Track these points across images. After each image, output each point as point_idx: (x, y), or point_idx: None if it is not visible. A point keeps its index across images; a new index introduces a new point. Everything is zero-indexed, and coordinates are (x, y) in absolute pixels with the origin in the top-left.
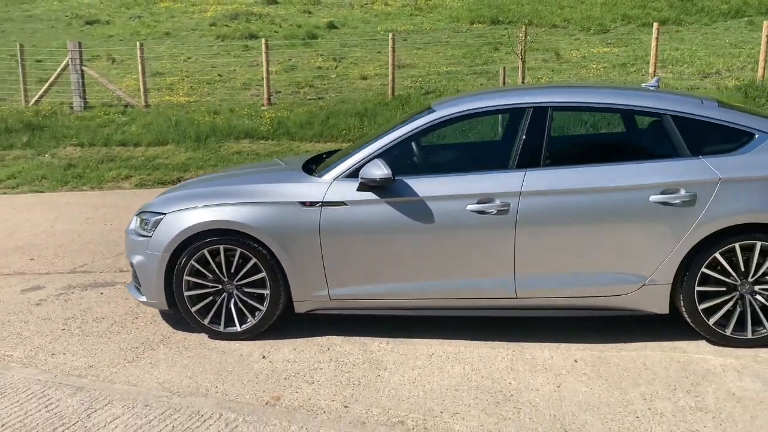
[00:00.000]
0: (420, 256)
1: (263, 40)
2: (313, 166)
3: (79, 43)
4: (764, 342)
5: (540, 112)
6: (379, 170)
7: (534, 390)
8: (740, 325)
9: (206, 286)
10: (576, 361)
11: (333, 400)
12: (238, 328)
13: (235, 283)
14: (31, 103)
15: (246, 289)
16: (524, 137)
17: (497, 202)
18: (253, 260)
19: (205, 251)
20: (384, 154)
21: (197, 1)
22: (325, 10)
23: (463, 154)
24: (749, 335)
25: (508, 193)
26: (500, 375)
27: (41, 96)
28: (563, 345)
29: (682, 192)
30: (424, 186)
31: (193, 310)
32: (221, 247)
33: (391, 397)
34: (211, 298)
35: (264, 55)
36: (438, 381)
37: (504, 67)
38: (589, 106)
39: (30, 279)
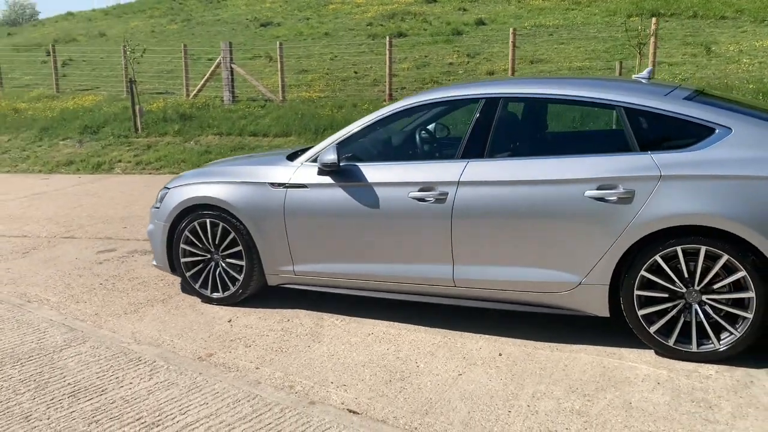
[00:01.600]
0: (369, 240)
1: (387, 38)
2: (300, 153)
3: (230, 44)
4: (710, 357)
5: (490, 103)
6: (328, 156)
7: (433, 375)
8: (686, 337)
9: (197, 255)
10: (500, 354)
11: (251, 362)
12: (221, 295)
13: (220, 254)
14: (190, 97)
15: (228, 260)
16: (472, 127)
17: (437, 190)
18: (232, 234)
19: (196, 223)
20: (345, 142)
21: (362, 2)
22: (481, 6)
23: (419, 144)
24: (694, 348)
25: (447, 182)
26: (415, 358)
27: (199, 90)
28: (502, 338)
29: (620, 188)
30: (373, 172)
31: (187, 275)
32: (207, 220)
33: (301, 365)
34: (201, 265)
35: (387, 52)
36: (355, 357)
37: (620, 62)
38: (540, 97)
39: (111, 243)
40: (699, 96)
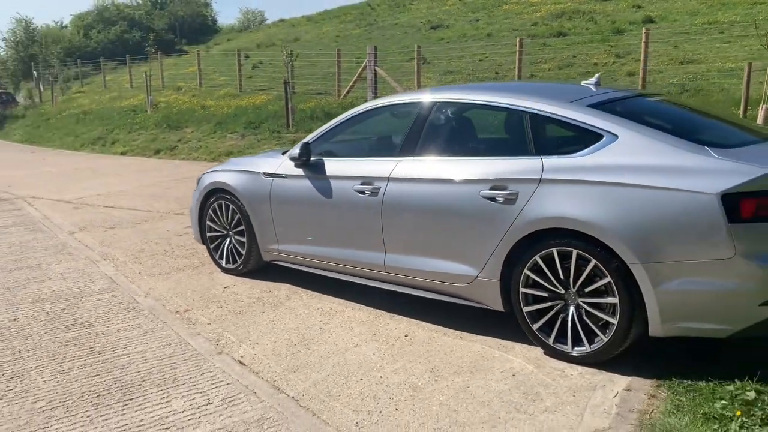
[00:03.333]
0: (326, 226)
1: (517, 39)
2: None
3: (375, 47)
4: (585, 359)
5: (426, 107)
6: (294, 151)
7: (333, 344)
8: (565, 337)
9: (217, 231)
10: (406, 335)
11: (208, 319)
12: (230, 266)
13: (232, 231)
14: (340, 98)
15: (236, 237)
16: (409, 129)
17: (373, 184)
18: (238, 215)
19: (215, 204)
20: (318, 139)
21: (536, 1)
22: (658, 2)
23: (376, 142)
24: (569, 349)
25: (380, 177)
26: (334, 330)
27: (348, 91)
28: (422, 323)
29: (508, 189)
30: (332, 166)
31: (210, 247)
32: (223, 202)
33: (242, 325)
34: (219, 240)
35: (517, 53)
36: (287, 324)
37: (749, 63)
38: (462, 102)
39: None
40: (614, 103)
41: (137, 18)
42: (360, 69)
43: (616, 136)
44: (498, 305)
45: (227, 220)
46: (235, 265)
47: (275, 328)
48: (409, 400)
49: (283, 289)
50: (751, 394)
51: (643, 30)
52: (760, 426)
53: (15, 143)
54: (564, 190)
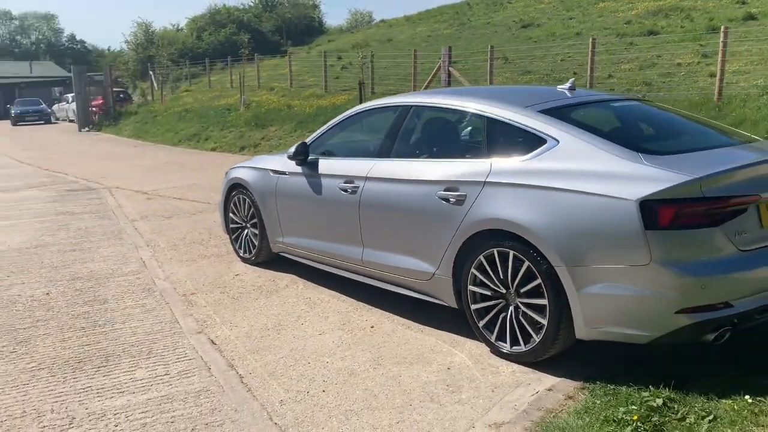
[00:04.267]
0: (316, 220)
1: (590, 39)
2: None
3: (450, 48)
4: (522, 358)
5: (403, 110)
6: (290, 150)
7: (302, 331)
8: (505, 336)
9: (237, 223)
10: (372, 327)
11: (206, 302)
12: (246, 256)
13: (248, 224)
14: None
15: (251, 230)
16: (387, 131)
17: (354, 183)
18: (252, 208)
19: (235, 198)
20: (317, 140)
21: None
22: None
23: (363, 143)
24: (508, 348)
25: (360, 176)
26: (310, 318)
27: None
28: (394, 316)
29: (459, 191)
30: (324, 165)
31: (231, 238)
32: (241, 196)
33: (232, 309)
34: (239, 231)
35: (590, 53)
36: (272, 310)
37: None
38: (433, 106)
39: None
40: (570, 108)
41: (246, 20)
42: (435, 69)
43: (558, 141)
44: (452, 302)
45: (245, 213)
46: (250, 255)
47: (259, 313)
48: (339, 384)
49: (286, 279)
50: (659, 401)
51: (722, 29)
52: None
53: (125, 138)
54: (503, 193)
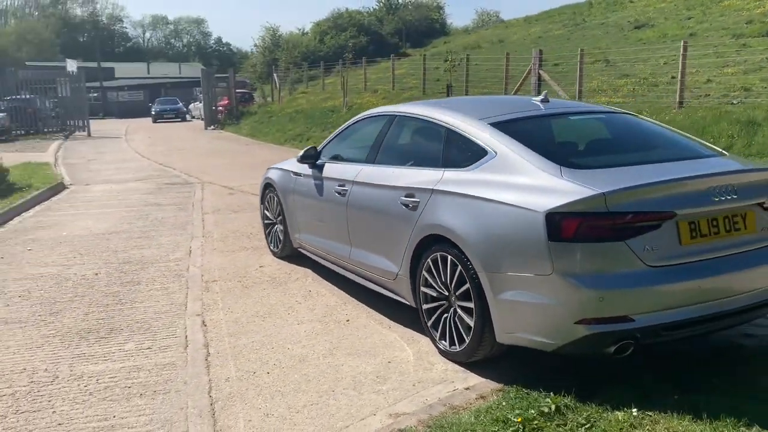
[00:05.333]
0: (319, 219)
1: (681, 42)
2: None
3: (540, 51)
4: (459, 358)
5: (389, 119)
6: (299, 154)
7: (283, 320)
8: (446, 336)
9: (270, 219)
10: (348, 320)
11: (219, 289)
12: (275, 250)
13: (277, 220)
14: None
15: (279, 226)
16: (374, 138)
17: (345, 186)
18: (279, 206)
19: (268, 196)
20: (327, 145)
21: None
22: None
23: (360, 149)
24: (446, 347)
25: (349, 180)
26: (298, 309)
27: (514, 94)
28: (373, 312)
29: (415, 197)
30: (327, 168)
31: (265, 233)
32: (271, 194)
33: (237, 296)
34: (270, 227)
35: (681, 57)
36: (271, 299)
37: None
38: (413, 116)
39: None
40: (521, 121)
41: (366, 24)
42: (525, 72)
43: (496, 153)
44: (412, 301)
45: (274, 210)
46: (277, 249)
47: (258, 302)
48: (285, 369)
49: (300, 272)
50: (552, 407)
51: None
52: None
53: (242, 136)
54: (446, 201)
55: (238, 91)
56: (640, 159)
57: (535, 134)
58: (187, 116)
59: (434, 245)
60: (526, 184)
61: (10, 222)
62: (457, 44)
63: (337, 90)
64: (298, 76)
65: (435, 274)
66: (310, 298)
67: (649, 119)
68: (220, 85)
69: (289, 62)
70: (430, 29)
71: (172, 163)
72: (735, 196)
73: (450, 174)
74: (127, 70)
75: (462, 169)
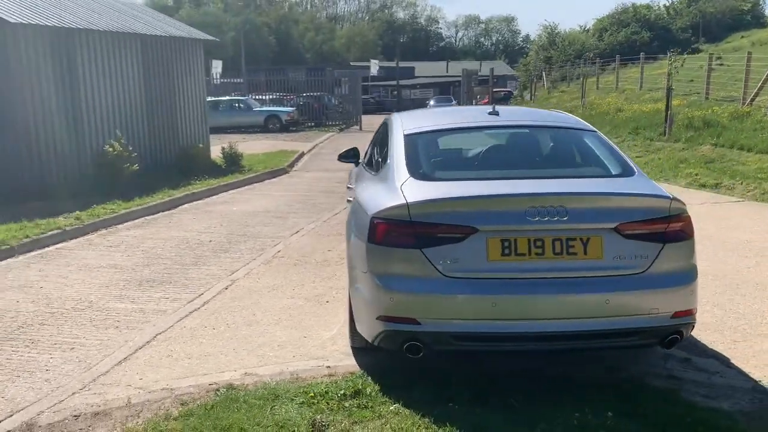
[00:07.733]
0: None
1: None
2: None
3: None
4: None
5: (384, 126)
6: (342, 152)
7: (281, 293)
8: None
9: None
10: (327, 301)
11: (272, 265)
12: None
13: None
14: (743, 105)
15: None
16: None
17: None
18: None
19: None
20: (368, 148)
21: None
22: None
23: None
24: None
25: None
26: (304, 285)
27: (752, 99)
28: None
29: (350, 197)
30: (355, 169)
31: None
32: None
33: (274, 271)
34: None
35: None
36: (293, 277)
37: None
38: (390, 123)
39: None
40: (440, 132)
41: (652, 18)
42: (765, 76)
43: (390, 161)
44: None
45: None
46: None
47: (285, 276)
48: (226, 331)
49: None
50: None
51: None
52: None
53: None
54: (351, 198)
55: (495, 90)
56: (510, 175)
57: (431, 146)
58: None
59: None
60: (383, 191)
61: (212, 197)
62: (759, 38)
63: (604, 89)
64: (562, 75)
65: None
66: (325, 280)
67: (601, 137)
68: (480, 84)
69: (564, 60)
70: (737, 21)
71: None
72: (565, 219)
73: (368, 176)
74: (426, 69)
75: (374, 172)
